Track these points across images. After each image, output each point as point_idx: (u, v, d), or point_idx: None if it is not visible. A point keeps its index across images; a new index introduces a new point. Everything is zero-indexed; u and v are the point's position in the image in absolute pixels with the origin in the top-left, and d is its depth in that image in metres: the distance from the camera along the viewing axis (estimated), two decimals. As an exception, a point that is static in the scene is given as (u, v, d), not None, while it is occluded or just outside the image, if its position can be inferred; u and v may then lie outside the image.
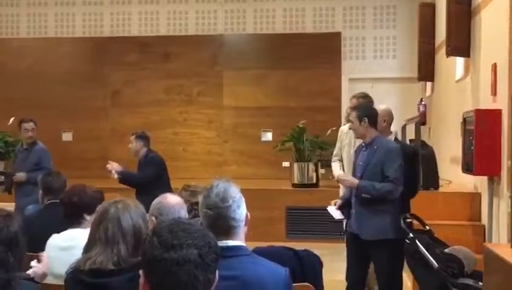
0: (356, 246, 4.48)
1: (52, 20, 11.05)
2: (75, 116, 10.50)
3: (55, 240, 3.18)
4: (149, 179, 6.36)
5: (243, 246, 2.20)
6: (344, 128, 5.64)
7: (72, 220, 3.33)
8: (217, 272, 1.55)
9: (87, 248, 2.45)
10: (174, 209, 3.01)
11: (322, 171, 8.85)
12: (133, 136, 6.78)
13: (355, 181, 4.39)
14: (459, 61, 6.75)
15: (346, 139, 5.50)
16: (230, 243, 2.16)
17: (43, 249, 3.04)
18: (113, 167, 6.59)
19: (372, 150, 4.39)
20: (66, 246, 3.00)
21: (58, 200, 3.70)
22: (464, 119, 5.34)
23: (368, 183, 4.34)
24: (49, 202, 4.12)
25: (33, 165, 6.68)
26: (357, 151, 4.61)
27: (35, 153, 6.84)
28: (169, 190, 5.49)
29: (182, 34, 10.73)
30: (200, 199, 2.27)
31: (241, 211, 2.19)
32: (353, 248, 4.55)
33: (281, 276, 2.17)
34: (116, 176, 6.56)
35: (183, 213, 3.05)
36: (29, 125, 6.83)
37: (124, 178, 6.60)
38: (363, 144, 4.51)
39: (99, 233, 2.40)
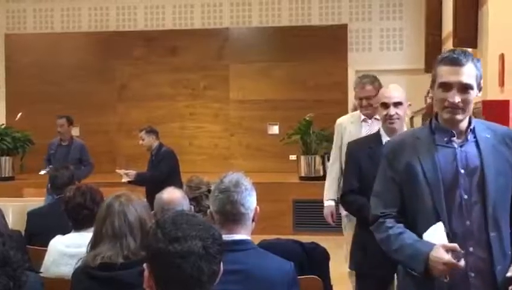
0: None
1: (59, 15, 11.06)
2: (82, 111, 10.49)
3: (60, 245, 2.97)
4: (165, 175, 6.33)
5: (249, 240, 2.20)
6: (344, 119, 4.43)
7: (81, 224, 3.07)
8: (221, 263, 1.54)
9: (94, 245, 2.44)
10: (174, 204, 3.01)
11: (329, 164, 8.81)
12: (143, 132, 6.73)
13: None
14: (467, 52, 6.70)
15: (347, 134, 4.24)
16: (236, 237, 2.16)
17: (47, 244, 3.02)
18: (124, 172, 6.65)
19: (484, 142, 2.33)
20: (74, 253, 2.83)
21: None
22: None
23: None
24: (58, 196, 4.12)
25: (76, 161, 6.83)
26: (426, 152, 2.33)
27: (76, 149, 7.12)
28: (181, 183, 5.27)
29: (188, 28, 10.71)
30: (212, 187, 2.31)
31: (251, 200, 2.21)
32: None
33: (287, 270, 2.17)
34: (127, 179, 6.58)
35: (186, 206, 3.05)
36: (59, 121, 7.07)
37: (138, 180, 6.60)
38: (445, 136, 2.35)
39: (106, 228, 2.39)
